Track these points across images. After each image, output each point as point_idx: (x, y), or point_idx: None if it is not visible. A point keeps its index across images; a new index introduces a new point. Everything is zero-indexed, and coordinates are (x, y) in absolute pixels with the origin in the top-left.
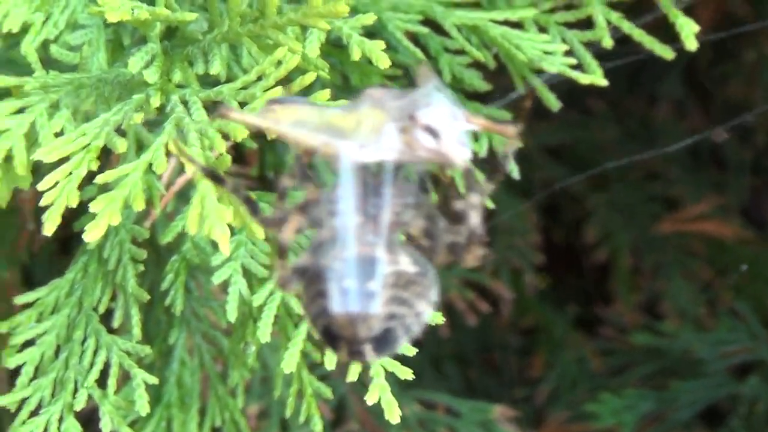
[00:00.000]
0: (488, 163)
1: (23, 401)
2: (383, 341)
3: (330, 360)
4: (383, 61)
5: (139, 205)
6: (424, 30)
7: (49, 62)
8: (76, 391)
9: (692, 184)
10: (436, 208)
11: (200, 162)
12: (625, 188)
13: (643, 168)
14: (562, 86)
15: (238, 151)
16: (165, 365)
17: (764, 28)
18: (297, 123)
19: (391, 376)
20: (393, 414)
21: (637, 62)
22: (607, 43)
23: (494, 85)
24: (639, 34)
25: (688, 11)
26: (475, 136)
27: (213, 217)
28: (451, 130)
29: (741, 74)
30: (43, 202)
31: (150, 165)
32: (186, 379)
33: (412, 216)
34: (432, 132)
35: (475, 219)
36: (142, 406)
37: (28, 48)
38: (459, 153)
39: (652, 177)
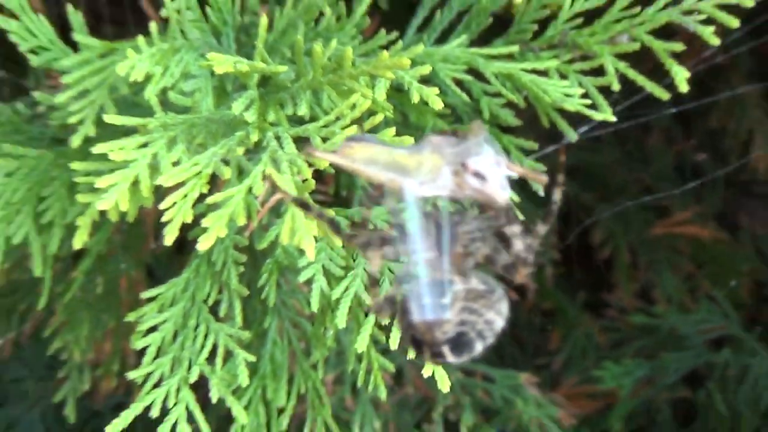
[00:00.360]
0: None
1: (148, 375)
2: (458, 343)
3: (393, 341)
4: (437, 104)
5: (241, 221)
6: (469, 77)
7: (166, 105)
8: (190, 367)
9: (678, 197)
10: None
11: (291, 194)
12: (626, 200)
13: (640, 183)
14: (573, 116)
15: (317, 173)
16: (260, 345)
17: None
18: (369, 160)
19: None
20: (445, 384)
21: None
22: (616, 87)
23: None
24: (642, 80)
25: (675, 57)
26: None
27: (302, 231)
28: (495, 176)
29: (719, 108)
30: (164, 218)
31: (250, 188)
32: (277, 356)
33: (476, 247)
34: (479, 176)
35: (519, 246)
36: (243, 378)
37: (150, 94)
38: (500, 194)
39: (646, 190)
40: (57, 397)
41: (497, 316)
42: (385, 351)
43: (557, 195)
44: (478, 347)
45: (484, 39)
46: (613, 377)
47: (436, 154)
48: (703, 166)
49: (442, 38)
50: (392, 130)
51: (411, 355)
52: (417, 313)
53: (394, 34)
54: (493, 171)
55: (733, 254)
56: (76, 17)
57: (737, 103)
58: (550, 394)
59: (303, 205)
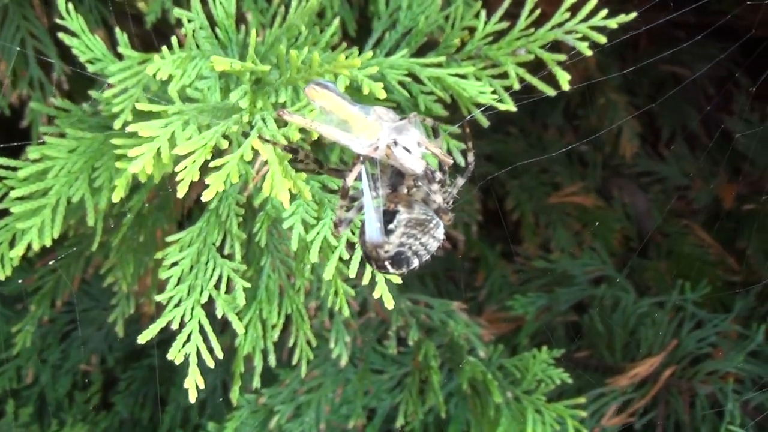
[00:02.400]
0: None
1: (170, 298)
2: (397, 260)
3: (353, 272)
4: (381, 94)
5: (234, 180)
6: (409, 80)
7: (185, 99)
8: (201, 292)
9: (568, 175)
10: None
11: (281, 141)
12: (529, 177)
13: (539, 165)
14: (493, 117)
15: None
16: (258, 278)
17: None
18: (328, 107)
19: (392, 285)
20: (389, 302)
21: (536, 103)
22: (516, 86)
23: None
24: (535, 81)
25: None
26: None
27: (278, 185)
28: (416, 151)
29: (596, 111)
30: (177, 178)
31: (242, 156)
32: (270, 286)
33: (417, 192)
34: (406, 150)
35: (438, 199)
36: (241, 300)
37: (172, 90)
38: (418, 165)
39: (544, 171)
40: (111, 318)
41: (432, 240)
42: (354, 286)
43: (470, 157)
44: (415, 262)
45: (421, 52)
46: (521, 306)
47: (377, 122)
48: (586, 153)
49: (390, 53)
50: None
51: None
52: (366, 235)
53: (355, 48)
54: (416, 148)
55: (608, 216)
56: (121, 36)
57: (610, 107)
58: (476, 319)
59: (292, 150)
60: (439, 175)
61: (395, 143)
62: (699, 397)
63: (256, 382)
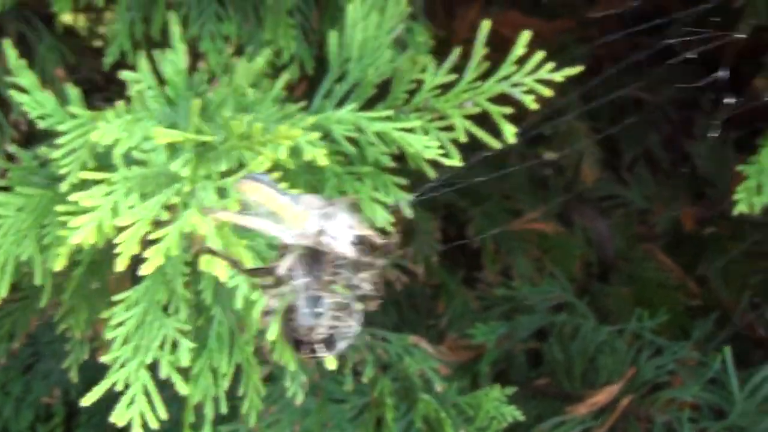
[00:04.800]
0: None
1: (115, 359)
2: (329, 342)
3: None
4: (323, 161)
5: (174, 252)
6: (356, 134)
7: (131, 159)
8: (147, 353)
9: (529, 201)
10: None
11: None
12: (491, 204)
13: (501, 192)
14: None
15: None
16: (209, 326)
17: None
18: (258, 206)
19: None
20: (331, 365)
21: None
22: (462, 139)
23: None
24: (482, 134)
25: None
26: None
27: (215, 262)
28: (345, 236)
29: (559, 137)
30: (117, 250)
31: (181, 229)
32: (222, 333)
33: (338, 278)
34: (333, 237)
35: (367, 286)
36: (185, 359)
37: (117, 154)
38: (348, 250)
39: (506, 197)
40: (65, 365)
41: (354, 323)
42: None
43: (394, 240)
44: (342, 345)
45: (371, 104)
46: (482, 334)
47: (306, 211)
48: (547, 179)
49: (341, 103)
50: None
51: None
52: (299, 320)
53: (304, 103)
54: (345, 233)
55: (569, 243)
56: (73, 92)
57: (571, 134)
58: (437, 347)
59: (210, 251)
60: (366, 260)
61: (322, 231)
62: (656, 425)
63: (207, 430)
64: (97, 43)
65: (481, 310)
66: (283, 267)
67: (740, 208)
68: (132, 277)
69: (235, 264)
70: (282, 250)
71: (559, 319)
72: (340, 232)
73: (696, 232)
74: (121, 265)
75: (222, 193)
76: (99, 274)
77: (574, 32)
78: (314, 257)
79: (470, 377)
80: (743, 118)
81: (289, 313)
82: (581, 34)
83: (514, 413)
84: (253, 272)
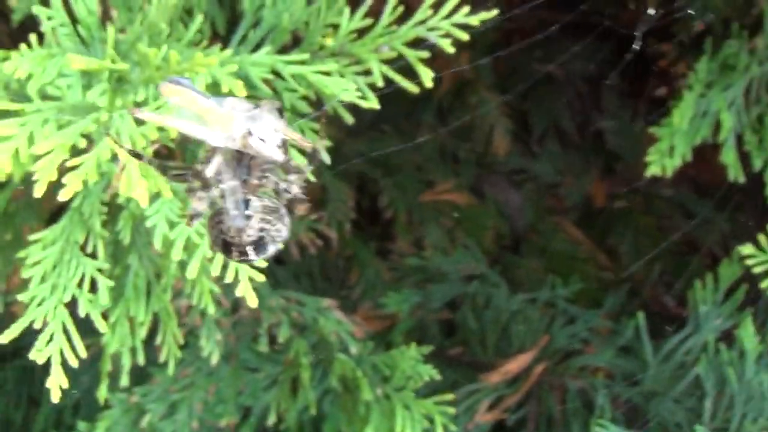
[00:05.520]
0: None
1: (32, 298)
2: (258, 245)
3: (216, 269)
4: (240, 91)
5: (92, 178)
6: (272, 77)
7: (47, 97)
8: (64, 291)
9: (441, 173)
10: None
11: (128, 148)
12: (403, 175)
13: (413, 163)
14: (366, 116)
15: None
16: (125, 275)
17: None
18: (182, 104)
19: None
20: (254, 301)
21: (411, 102)
22: (380, 83)
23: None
24: (399, 79)
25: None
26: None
27: (135, 183)
28: (273, 139)
29: (468, 110)
30: (34, 177)
31: (99, 156)
32: (138, 284)
33: (266, 180)
34: (261, 139)
35: (295, 189)
36: (104, 299)
37: (31, 88)
38: (276, 153)
39: (418, 169)
40: None
41: (283, 227)
42: (226, 285)
43: (320, 144)
44: (272, 249)
45: (287, 50)
46: (395, 303)
47: (231, 113)
48: (459, 151)
49: (255, 50)
50: None
51: (221, 254)
52: (228, 221)
53: (218, 46)
54: (272, 135)
55: (481, 214)
56: None
57: (483, 105)
58: (351, 316)
59: (136, 155)
60: (294, 164)
61: (250, 133)
62: (570, 392)
63: (125, 381)
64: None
65: (394, 281)
66: (210, 169)
67: (653, 170)
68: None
69: (162, 167)
70: (209, 153)
71: (471, 289)
72: (268, 134)
73: (606, 206)
74: (38, 191)
75: (139, 121)
76: (12, 225)
77: (482, 6)
78: (240, 160)
79: (384, 347)
80: (653, 94)
81: (217, 217)
82: (489, 8)
83: (430, 372)
84: (179, 176)
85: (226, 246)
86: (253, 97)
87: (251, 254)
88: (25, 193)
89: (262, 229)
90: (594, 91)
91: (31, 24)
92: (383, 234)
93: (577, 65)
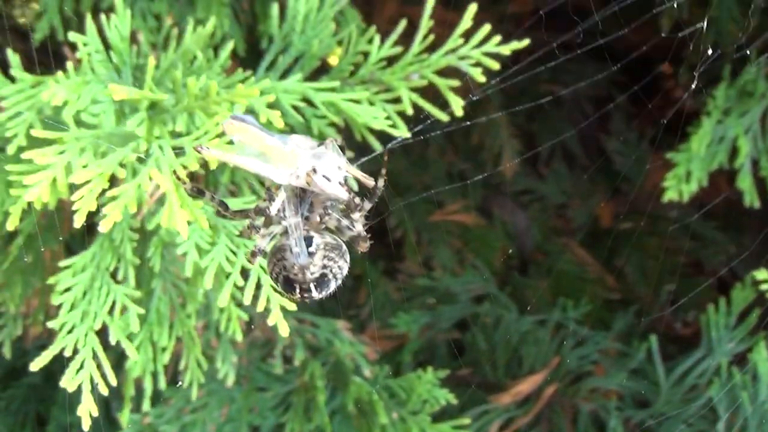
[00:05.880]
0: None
1: (63, 325)
2: (321, 282)
3: (248, 297)
4: (279, 123)
5: (132, 209)
6: (302, 104)
7: (80, 123)
8: (95, 318)
9: (450, 194)
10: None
11: (171, 187)
12: (411, 196)
13: (422, 184)
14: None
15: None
16: (149, 301)
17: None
18: (246, 140)
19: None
20: (283, 329)
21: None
22: (409, 111)
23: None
24: (428, 107)
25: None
26: None
27: (177, 216)
28: (336, 176)
29: (479, 130)
30: (75, 207)
31: (139, 185)
32: (162, 309)
33: (328, 218)
34: (326, 177)
35: (359, 227)
36: (134, 325)
37: (67, 115)
38: (340, 192)
39: (427, 188)
40: None
41: (345, 263)
42: (239, 304)
43: (380, 182)
44: (333, 285)
45: (315, 77)
46: (405, 323)
47: (296, 150)
48: (467, 172)
49: (284, 76)
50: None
51: (284, 293)
52: (292, 259)
53: (249, 72)
54: (336, 173)
55: (489, 235)
56: (14, 58)
57: (491, 127)
58: (360, 336)
59: (199, 192)
60: (358, 202)
61: (314, 171)
62: (581, 413)
63: (146, 405)
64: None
65: (402, 301)
66: (275, 207)
67: (670, 195)
68: (66, 252)
69: (223, 204)
70: (269, 191)
71: (481, 310)
72: (332, 172)
73: (612, 227)
74: (78, 220)
75: (178, 152)
76: (33, 248)
77: (493, 28)
78: (302, 197)
79: (393, 367)
80: (658, 116)
81: (278, 253)
82: (498, 29)
83: (447, 396)
84: (241, 213)
85: (288, 282)
86: (285, 124)
87: (314, 291)
88: (44, 215)
89: (324, 266)
90: (601, 113)
91: (52, 45)
92: (392, 254)
93: (585, 87)
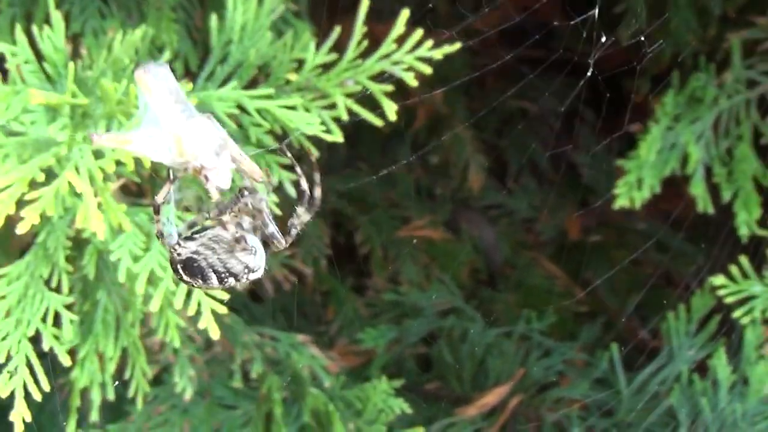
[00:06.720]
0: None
1: None
2: (188, 266)
3: (178, 301)
4: None
5: (50, 212)
6: (237, 112)
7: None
8: (28, 325)
9: (417, 209)
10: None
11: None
12: (379, 212)
13: (389, 200)
14: (341, 153)
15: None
16: (94, 311)
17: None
18: (159, 91)
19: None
20: (215, 332)
21: (386, 139)
22: (344, 117)
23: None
24: (362, 111)
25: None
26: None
27: (92, 219)
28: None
29: (442, 148)
30: None
31: (58, 188)
32: (107, 319)
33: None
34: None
35: (271, 228)
36: (68, 332)
37: None
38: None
39: (395, 205)
40: None
41: (235, 261)
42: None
43: (317, 191)
44: (212, 278)
45: (254, 86)
46: (372, 339)
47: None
48: (434, 187)
49: (222, 85)
50: None
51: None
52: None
53: (187, 83)
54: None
55: (456, 249)
56: None
57: (457, 142)
58: (328, 352)
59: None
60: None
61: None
62: (546, 424)
63: (94, 416)
64: None
65: (370, 317)
66: (161, 195)
67: (621, 203)
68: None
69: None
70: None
71: (447, 324)
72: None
73: (581, 240)
74: None
75: (98, 155)
76: None
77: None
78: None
79: (361, 382)
80: (627, 129)
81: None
82: (463, 45)
83: (401, 405)
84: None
85: (170, 261)
86: (251, 143)
87: (182, 274)
88: None
89: (197, 252)
90: (568, 127)
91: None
92: (359, 270)
93: (551, 101)
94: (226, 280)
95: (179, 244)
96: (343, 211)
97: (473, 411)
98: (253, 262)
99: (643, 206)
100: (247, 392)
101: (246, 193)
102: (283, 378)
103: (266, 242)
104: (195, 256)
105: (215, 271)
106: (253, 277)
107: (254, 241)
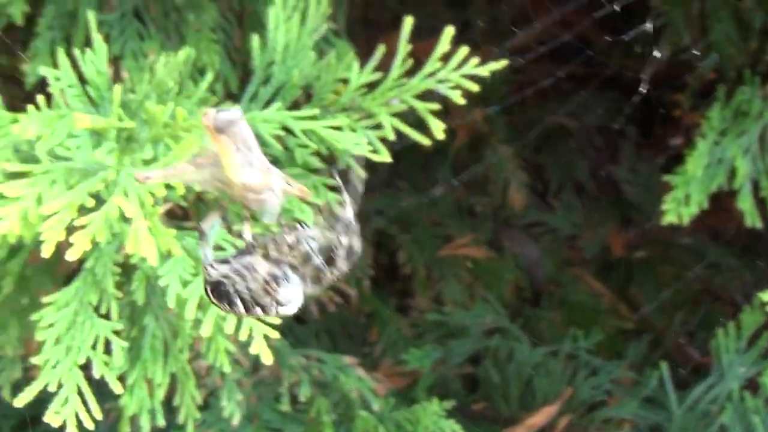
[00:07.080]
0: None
1: (46, 361)
2: (216, 289)
3: (230, 326)
4: None
5: (100, 237)
6: (283, 133)
7: (58, 158)
8: (78, 353)
9: (459, 227)
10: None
11: (139, 218)
12: (421, 230)
13: (430, 219)
14: (382, 173)
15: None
16: (142, 337)
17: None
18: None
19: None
20: (267, 357)
21: (426, 158)
22: (391, 137)
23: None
24: (410, 131)
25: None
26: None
27: (143, 244)
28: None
29: (482, 166)
30: (42, 237)
31: (107, 213)
32: (156, 345)
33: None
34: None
35: (316, 261)
36: (119, 359)
37: (40, 149)
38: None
39: (437, 224)
40: None
41: (263, 294)
42: (246, 345)
43: (349, 211)
44: (239, 305)
45: (297, 106)
46: (417, 359)
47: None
48: (475, 205)
49: (266, 106)
50: None
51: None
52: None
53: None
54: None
55: (500, 268)
56: None
57: (498, 159)
58: (372, 374)
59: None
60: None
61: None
62: None
63: None
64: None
65: (414, 337)
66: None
67: (669, 219)
68: None
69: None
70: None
71: (493, 343)
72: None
73: (625, 256)
74: (46, 251)
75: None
76: (27, 289)
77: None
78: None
79: (407, 404)
80: (668, 143)
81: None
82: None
83: (453, 427)
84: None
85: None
86: (268, 155)
87: (210, 296)
88: (39, 257)
89: (226, 276)
90: (609, 142)
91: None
92: (402, 290)
93: (592, 116)
94: (252, 309)
95: (212, 265)
96: (386, 231)
97: (522, 431)
98: (283, 296)
99: (689, 221)
100: (295, 415)
101: (294, 227)
102: (331, 400)
103: (317, 275)
104: (224, 280)
105: (242, 299)
106: (284, 311)
107: (289, 275)
